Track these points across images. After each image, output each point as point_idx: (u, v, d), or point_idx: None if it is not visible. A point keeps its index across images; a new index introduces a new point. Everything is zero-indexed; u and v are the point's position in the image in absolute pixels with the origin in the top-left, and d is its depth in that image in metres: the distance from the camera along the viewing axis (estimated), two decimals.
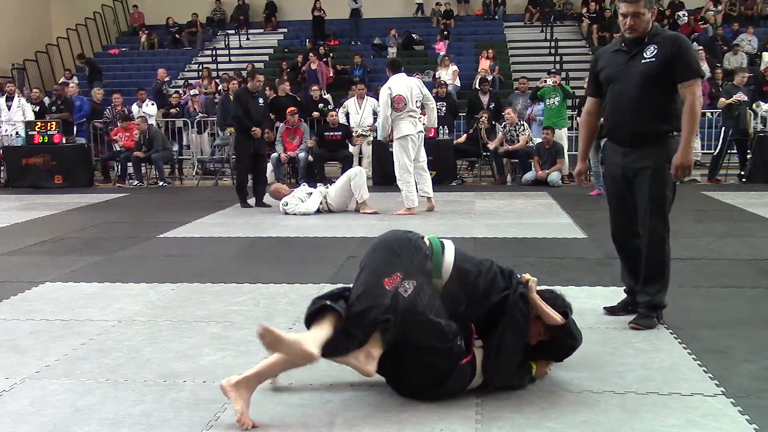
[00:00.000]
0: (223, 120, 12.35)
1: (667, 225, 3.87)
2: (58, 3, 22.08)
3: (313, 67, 16.35)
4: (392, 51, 18.53)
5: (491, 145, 11.14)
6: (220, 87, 14.61)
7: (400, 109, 7.81)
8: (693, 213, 7.71)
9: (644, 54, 3.75)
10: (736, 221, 7.36)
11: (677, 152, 3.76)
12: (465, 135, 11.78)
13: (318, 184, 8.72)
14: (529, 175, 10.68)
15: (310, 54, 16.93)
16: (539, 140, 10.97)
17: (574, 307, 4.23)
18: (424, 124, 8.41)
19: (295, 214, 8.07)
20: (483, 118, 11.43)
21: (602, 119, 4.15)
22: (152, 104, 13.07)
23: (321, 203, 8.22)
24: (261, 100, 8.87)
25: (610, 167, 4.03)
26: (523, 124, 11.22)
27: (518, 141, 10.92)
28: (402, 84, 7.92)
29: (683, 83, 3.71)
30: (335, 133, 11.25)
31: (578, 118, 10.97)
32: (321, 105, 12.97)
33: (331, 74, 17.15)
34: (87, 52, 19.96)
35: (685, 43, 3.82)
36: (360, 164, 11.83)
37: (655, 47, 3.73)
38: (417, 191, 8.10)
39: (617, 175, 3.95)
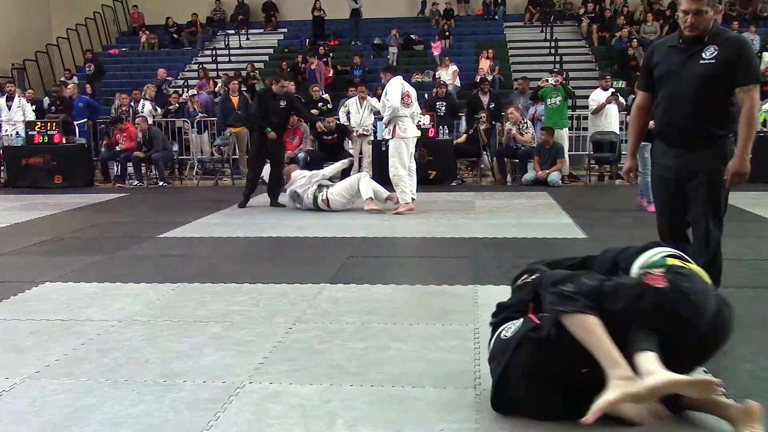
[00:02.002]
0: (223, 120, 12.36)
1: (722, 229, 3.77)
2: (58, 3, 22.06)
3: (312, 67, 16.34)
4: (393, 51, 18.51)
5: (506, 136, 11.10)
6: (218, 87, 14.64)
7: (409, 105, 8.02)
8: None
9: (703, 54, 3.62)
10: (736, 221, 7.35)
11: (733, 158, 3.66)
12: (465, 135, 11.78)
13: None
14: (529, 176, 10.68)
15: (308, 54, 16.95)
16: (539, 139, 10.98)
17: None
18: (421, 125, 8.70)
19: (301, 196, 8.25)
20: (482, 117, 11.43)
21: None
22: (150, 104, 13.09)
23: (322, 198, 8.26)
24: (283, 103, 8.88)
25: (661, 169, 3.90)
26: (527, 122, 11.22)
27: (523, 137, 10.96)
28: (406, 84, 8.23)
29: (743, 87, 3.61)
30: (332, 137, 11.34)
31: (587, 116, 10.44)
32: (320, 104, 12.97)
33: (331, 74, 17.14)
34: (89, 53, 19.95)
35: (748, 47, 3.74)
36: (360, 164, 11.85)
37: (716, 48, 3.60)
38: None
39: (669, 178, 3.84)
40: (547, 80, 11.42)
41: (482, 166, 11.92)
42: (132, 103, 13.02)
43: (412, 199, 8.13)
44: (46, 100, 14.16)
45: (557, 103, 11.05)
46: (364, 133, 11.73)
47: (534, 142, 10.97)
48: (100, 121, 13.35)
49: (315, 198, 8.28)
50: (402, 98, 7.96)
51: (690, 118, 3.67)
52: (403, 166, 8.06)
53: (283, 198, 8.77)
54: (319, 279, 5.03)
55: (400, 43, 18.98)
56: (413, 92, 8.26)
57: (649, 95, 3.94)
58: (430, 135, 10.96)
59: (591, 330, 2.56)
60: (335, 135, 11.35)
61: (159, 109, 13.33)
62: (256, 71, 16.70)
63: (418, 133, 8.41)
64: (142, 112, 12.64)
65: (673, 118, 3.74)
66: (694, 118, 3.66)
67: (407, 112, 8.02)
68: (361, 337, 3.77)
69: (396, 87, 8.02)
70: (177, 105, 13.53)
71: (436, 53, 17.96)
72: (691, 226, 3.89)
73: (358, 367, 3.35)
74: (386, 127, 8.21)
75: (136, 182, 11.70)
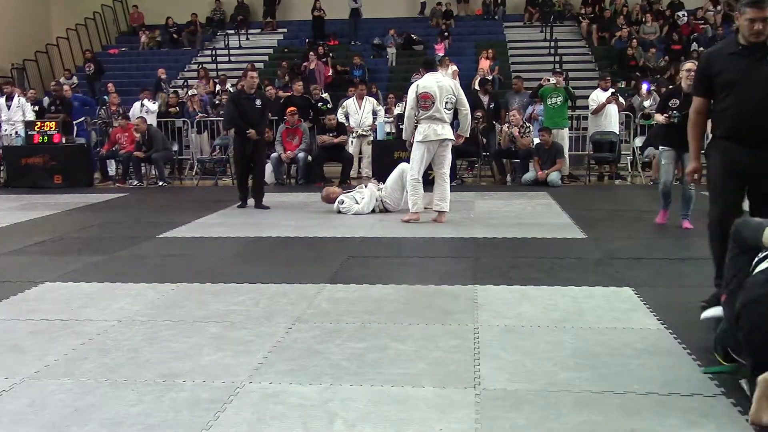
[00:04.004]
0: (229, 119, 12.32)
1: None
2: (58, 3, 22.05)
3: (311, 66, 16.36)
4: (391, 51, 18.54)
5: (503, 136, 11.10)
6: (218, 87, 14.64)
7: (427, 107, 7.26)
8: (693, 213, 7.71)
9: None
10: None
11: None
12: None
13: (371, 182, 8.60)
14: (528, 176, 10.66)
15: (309, 54, 16.97)
16: (537, 140, 10.96)
17: (574, 307, 4.27)
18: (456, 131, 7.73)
19: (347, 213, 8.02)
20: (480, 117, 11.39)
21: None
22: (153, 102, 13.11)
23: (377, 203, 8.12)
24: (258, 102, 8.70)
25: (731, 165, 4.02)
26: (528, 126, 11.20)
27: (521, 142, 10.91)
28: (432, 82, 7.35)
29: None
30: (334, 134, 11.32)
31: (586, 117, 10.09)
32: (320, 104, 12.97)
33: (330, 73, 17.14)
34: (87, 53, 19.97)
35: None
36: (360, 164, 11.86)
37: None
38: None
39: (738, 172, 3.97)
40: (548, 79, 11.40)
41: (476, 165, 11.91)
42: (138, 103, 13.01)
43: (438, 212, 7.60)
44: (46, 100, 14.16)
45: (558, 103, 11.03)
46: (363, 133, 11.72)
47: (533, 145, 10.95)
48: (97, 122, 13.34)
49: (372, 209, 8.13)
50: (418, 101, 7.29)
51: (764, 120, 3.83)
52: (415, 172, 7.45)
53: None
54: (319, 279, 5.03)
55: (399, 43, 18.99)
56: (438, 90, 7.29)
57: (707, 101, 4.13)
58: (458, 141, 10.89)
59: None
60: (336, 133, 11.35)
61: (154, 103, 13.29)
62: (256, 71, 16.68)
63: (444, 136, 7.37)
64: (140, 114, 12.63)
65: (746, 121, 3.89)
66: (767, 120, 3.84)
67: (425, 114, 7.29)
68: (361, 337, 3.78)
69: (411, 91, 7.45)
70: (176, 108, 13.52)
71: (439, 54, 17.93)
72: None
73: (358, 367, 3.36)
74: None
75: (136, 182, 11.70)
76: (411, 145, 7.53)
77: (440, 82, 7.40)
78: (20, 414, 2.93)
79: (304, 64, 16.71)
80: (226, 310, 4.34)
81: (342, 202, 8.12)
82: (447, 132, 7.41)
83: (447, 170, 7.55)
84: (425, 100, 7.26)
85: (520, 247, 6.20)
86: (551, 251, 6.00)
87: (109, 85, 14.57)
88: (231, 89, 13.78)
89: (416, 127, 7.41)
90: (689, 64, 6.69)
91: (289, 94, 12.96)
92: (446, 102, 7.33)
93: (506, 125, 11.28)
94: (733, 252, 3.29)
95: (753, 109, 3.84)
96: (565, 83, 11.57)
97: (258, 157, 8.91)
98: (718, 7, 19.00)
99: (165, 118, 13.24)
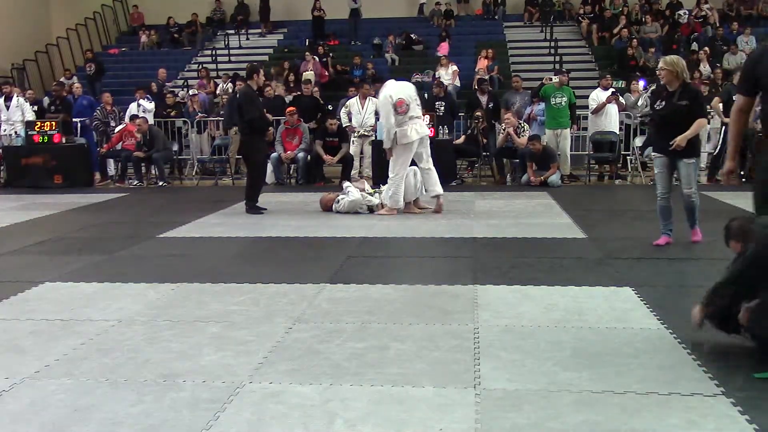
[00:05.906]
0: (230, 119, 12.30)
1: None
2: (58, 3, 22.05)
3: (308, 68, 16.37)
4: (389, 56, 18.57)
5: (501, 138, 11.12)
6: (219, 86, 14.62)
7: (403, 112, 7.75)
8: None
9: None
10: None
11: None
12: (464, 136, 11.76)
13: (362, 182, 8.85)
14: (527, 177, 10.65)
15: (306, 54, 17.00)
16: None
17: (575, 307, 4.27)
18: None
19: (343, 209, 8.08)
20: (480, 117, 11.38)
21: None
22: (150, 101, 13.08)
23: (376, 204, 8.15)
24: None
25: None
26: (523, 125, 11.18)
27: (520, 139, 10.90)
28: (399, 88, 7.95)
29: None
30: (334, 139, 11.34)
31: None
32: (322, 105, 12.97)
33: (326, 73, 17.13)
34: (88, 53, 19.98)
35: None
36: (360, 164, 11.84)
37: None
38: (423, 192, 8.18)
39: None
40: (550, 79, 11.36)
41: (476, 165, 11.91)
42: (135, 103, 12.98)
43: (439, 196, 8.11)
44: (46, 100, 14.14)
45: (562, 103, 10.99)
46: (365, 134, 11.71)
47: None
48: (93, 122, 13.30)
49: (371, 208, 8.16)
50: (395, 108, 7.73)
51: None
52: (397, 172, 7.89)
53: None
54: (319, 279, 5.03)
55: (400, 43, 18.98)
56: (406, 93, 7.88)
57: (751, 99, 4.07)
58: (430, 135, 10.92)
59: None
60: (337, 138, 11.36)
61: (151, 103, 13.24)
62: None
63: (424, 133, 8.01)
64: (142, 114, 12.61)
65: None
66: None
67: (405, 118, 7.77)
68: (361, 337, 3.78)
69: (385, 101, 7.81)
70: (172, 108, 13.47)
71: (439, 54, 17.94)
72: None
73: (358, 367, 3.36)
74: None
75: (136, 182, 11.70)
76: (391, 152, 7.96)
77: (403, 87, 8.06)
78: (20, 414, 2.93)
79: (305, 56, 16.71)
80: (226, 310, 4.34)
81: (338, 202, 8.19)
82: (425, 129, 8.13)
83: (431, 162, 8.13)
84: (400, 106, 7.77)
85: (520, 247, 6.20)
86: (551, 251, 6.00)
87: (140, 92, 14.01)
88: (230, 89, 13.77)
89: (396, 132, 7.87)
90: (660, 63, 6.08)
91: (297, 93, 12.94)
92: (414, 100, 7.97)
93: (503, 126, 11.27)
94: None
95: None
96: (568, 84, 11.55)
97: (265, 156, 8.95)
98: (709, 4, 18.92)
99: (165, 119, 13.22)
